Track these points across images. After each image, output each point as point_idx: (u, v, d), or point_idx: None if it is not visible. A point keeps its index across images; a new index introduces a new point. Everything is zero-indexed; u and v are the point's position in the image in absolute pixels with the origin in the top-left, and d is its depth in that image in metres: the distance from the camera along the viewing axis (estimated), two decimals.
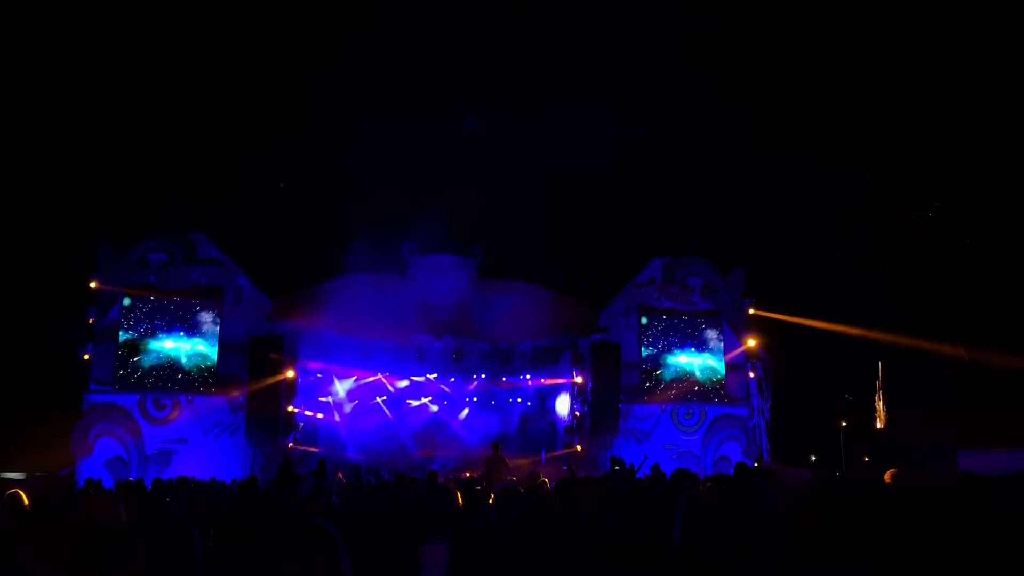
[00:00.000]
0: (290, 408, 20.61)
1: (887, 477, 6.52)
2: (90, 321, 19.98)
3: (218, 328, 20.50)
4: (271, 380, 19.77)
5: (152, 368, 20.09)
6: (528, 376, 25.11)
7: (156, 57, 28.44)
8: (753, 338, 22.62)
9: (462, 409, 25.43)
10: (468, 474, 20.61)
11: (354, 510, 7.47)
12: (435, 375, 24.48)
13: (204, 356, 20.39)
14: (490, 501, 6.20)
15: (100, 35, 26.57)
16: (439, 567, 4.38)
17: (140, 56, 28.00)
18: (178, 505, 6.27)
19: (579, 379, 21.93)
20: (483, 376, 24.87)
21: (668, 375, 22.36)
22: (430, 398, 25.18)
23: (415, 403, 25.24)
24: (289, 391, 20.51)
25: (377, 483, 15.35)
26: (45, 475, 18.56)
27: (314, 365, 22.65)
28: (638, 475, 12.07)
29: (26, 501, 6.48)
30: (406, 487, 9.67)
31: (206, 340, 20.46)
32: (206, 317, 20.52)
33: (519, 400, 25.84)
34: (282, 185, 27.54)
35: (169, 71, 28.57)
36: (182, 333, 20.37)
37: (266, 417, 19.67)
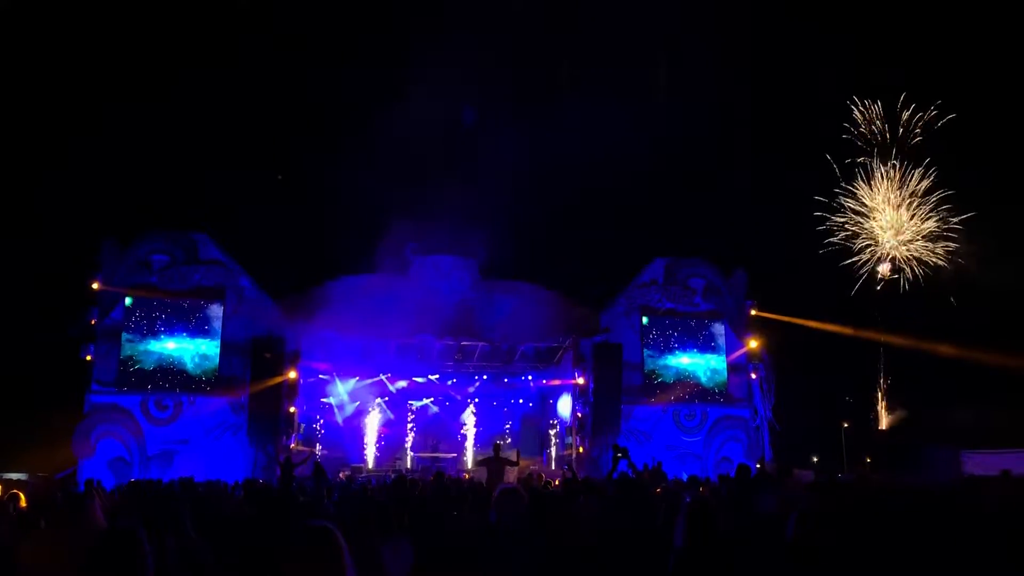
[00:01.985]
0: (291, 409, 20.62)
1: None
2: (92, 322, 19.97)
3: (220, 329, 20.49)
4: (273, 381, 19.76)
5: (154, 369, 20.08)
6: (529, 377, 25.11)
7: (161, 59, 28.48)
8: (755, 339, 22.60)
9: (464, 410, 25.44)
10: (468, 475, 20.65)
11: (350, 511, 7.45)
12: (437, 376, 24.48)
13: (206, 357, 20.38)
14: (491, 502, 6.18)
15: (105, 35, 26.60)
16: (402, 566, 4.37)
17: (144, 58, 28.03)
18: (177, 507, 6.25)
19: (580, 380, 21.91)
20: (485, 377, 24.88)
21: (670, 376, 22.33)
22: (432, 399, 25.19)
23: (417, 404, 25.25)
24: (291, 392, 20.51)
25: (377, 484, 15.34)
26: (44, 476, 18.56)
27: (316, 366, 22.66)
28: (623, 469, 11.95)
29: (23, 503, 6.51)
30: (407, 488, 9.68)
31: (208, 341, 20.44)
32: (208, 318, 20.51)
33: (520, 401, 25.85)
34: (280, 177, 27.60)
35: (173, 73, 28.61)
36: (184, 334, 20.36)
37: (268, 418, 19.66)
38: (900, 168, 25.12)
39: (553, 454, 25.26)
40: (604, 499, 6.86)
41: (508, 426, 25.85)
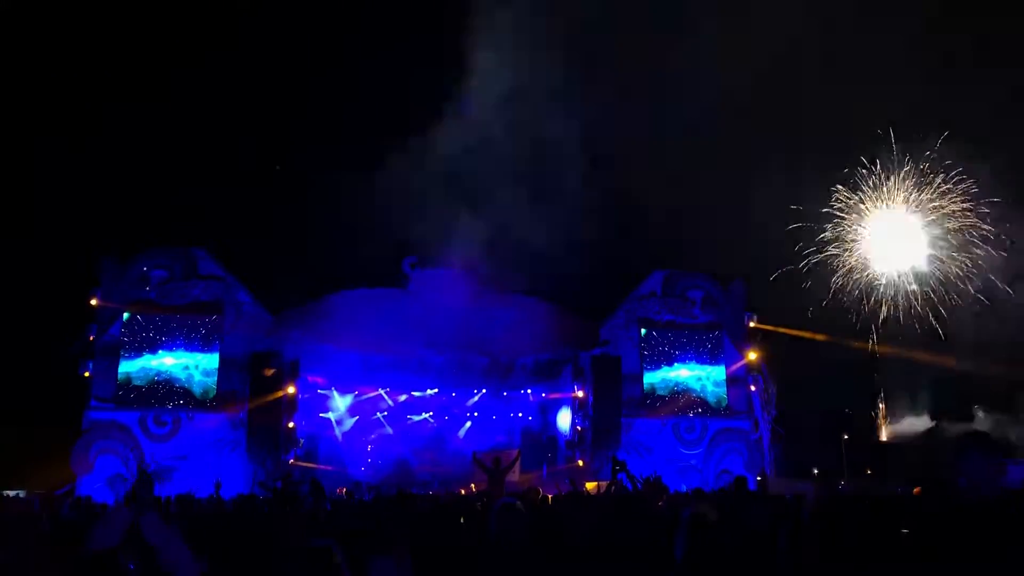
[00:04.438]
0: (291, 424, 20.56)
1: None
2: (91, 338, 19.95)
3: (219, 344, 20.46)
4: (272, 396, 19.72)
5: (152, 385, 20.03)
6: (529, 390, 25.03)
7: (161, 73, 28.60)
8: (754, 351, 22.57)
9: (463, 424, 25.36)
10: (463, 490, 20.54)
11: (343, 525, 7.43)
12: (436, 390, 24.41)
13: (205, 372, 20.34)
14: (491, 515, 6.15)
15: (105, 50, 26.73)
16: None
17: (144, 72, 28.15)
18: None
19: (580, 393, 21.86)
20: (484, 390, 24.80)
21: (669, 389, 22.28)
22: (431, 413, 25.11)
23: (416, 418, 25.17)
24: (290, 407, 20.46)
25: (373, 499, 15.27)
26: (42, 493, 18.46)
27: (315, 380, 22.61)
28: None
29: None
30: (406, 502, 9.64)
31: (207, 356, 20.41)
32: (207, 333, 20.48)
33: (520, 414, 25.76)
34: (279, 167, 27.63)
35: (173, 88, 28.73)
36: (183, 349, 20.33)
37: (267, 433, 19.61)
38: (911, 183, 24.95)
39: (553, 468, 25.16)
40: (603, 512, 6.84)
41: (508, 440, 25.76)
